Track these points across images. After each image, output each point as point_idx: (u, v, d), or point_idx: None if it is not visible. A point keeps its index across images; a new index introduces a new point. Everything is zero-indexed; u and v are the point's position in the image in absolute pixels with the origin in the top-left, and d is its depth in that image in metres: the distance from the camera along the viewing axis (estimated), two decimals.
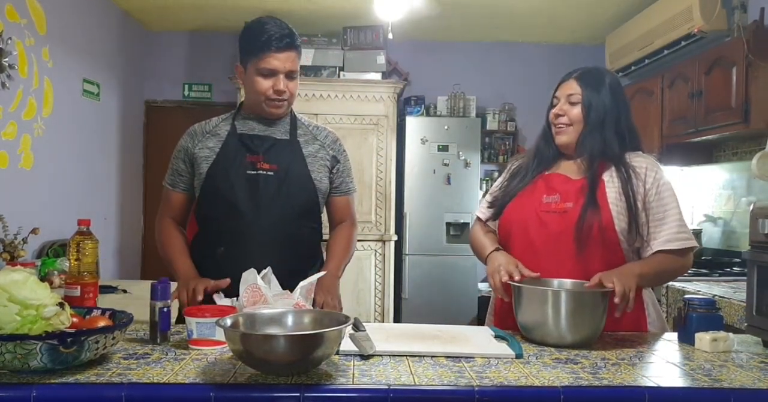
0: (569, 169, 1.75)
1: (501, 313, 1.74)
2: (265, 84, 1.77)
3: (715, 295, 2.41)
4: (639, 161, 1.69)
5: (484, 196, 1.93)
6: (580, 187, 1.67)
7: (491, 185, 2.15)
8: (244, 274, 1.50)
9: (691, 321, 1.46)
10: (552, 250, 1.64)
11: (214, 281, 1.67)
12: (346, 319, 1.20)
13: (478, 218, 1.87)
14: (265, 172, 1.78)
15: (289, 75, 1.78)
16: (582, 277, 1.55)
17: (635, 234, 1.62)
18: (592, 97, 1.69)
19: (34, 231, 3.23)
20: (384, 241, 4.69)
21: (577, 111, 1.70)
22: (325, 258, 1.92)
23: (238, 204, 1.76)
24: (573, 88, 1.72)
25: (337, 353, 1.28)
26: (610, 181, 1.66)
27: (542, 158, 1.79)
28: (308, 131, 1.90)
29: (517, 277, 1.51)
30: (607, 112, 1.69)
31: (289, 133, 1.86)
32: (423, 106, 5.15)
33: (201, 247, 1.86)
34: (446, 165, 4.91)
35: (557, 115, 1.73)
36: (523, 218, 1.70)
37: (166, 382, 1.09)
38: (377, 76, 4.76)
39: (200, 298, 1.63)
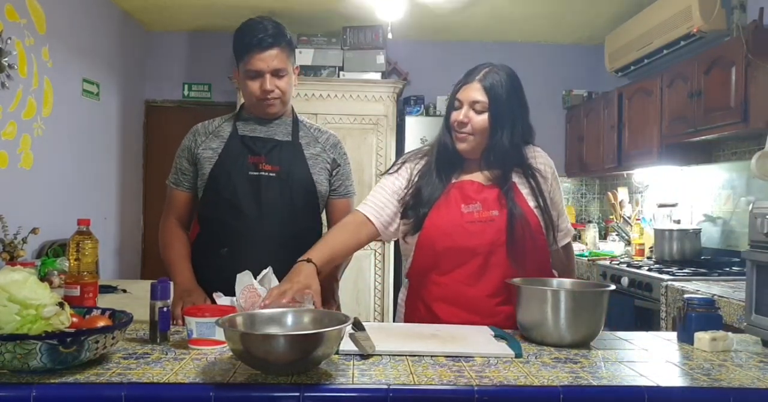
0: (477, 175, 1.69)
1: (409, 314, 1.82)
2: (253, 86, 1.79)
3: (715, 295, 2.42)
4: (537, 157, 1.71)
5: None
6: (498, 194, 1.64)
7: None
8: (239, 276, 1.49)
9: (690, 320, 1.46)
10: (486, 261, 1.61)
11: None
12: (346, 318, 1.20)
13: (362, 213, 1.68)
14: (267, 174, 1.79)
15: (276, 73, 1.77)
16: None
17: (555, 231, 1.68)
18: (499, 105, 1.60)
19: (34, 231, 3.24)
20: (384, 241, 4.68)
21: (481, 119, 1.61)
22: None
23: (240, 205, 1.77)
24: (478, 95, 1.61)
25: (337, 353, 1.28)
26: (522, 184, 1.67)
27: (447, 161, 1.68)
28: (310, 133, 1.91)
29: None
30: (514, 118, 1.63)
31: (290, 135, 1.86)
32: (422, 105, 5.14)
33: (203, 247, 1.86)
34: None
35: (461, 123, 1.63)
36: (447, 230, 1.61)
37: (166, 381, 1.09)
38: (377, 76, 4.76)
39: None
